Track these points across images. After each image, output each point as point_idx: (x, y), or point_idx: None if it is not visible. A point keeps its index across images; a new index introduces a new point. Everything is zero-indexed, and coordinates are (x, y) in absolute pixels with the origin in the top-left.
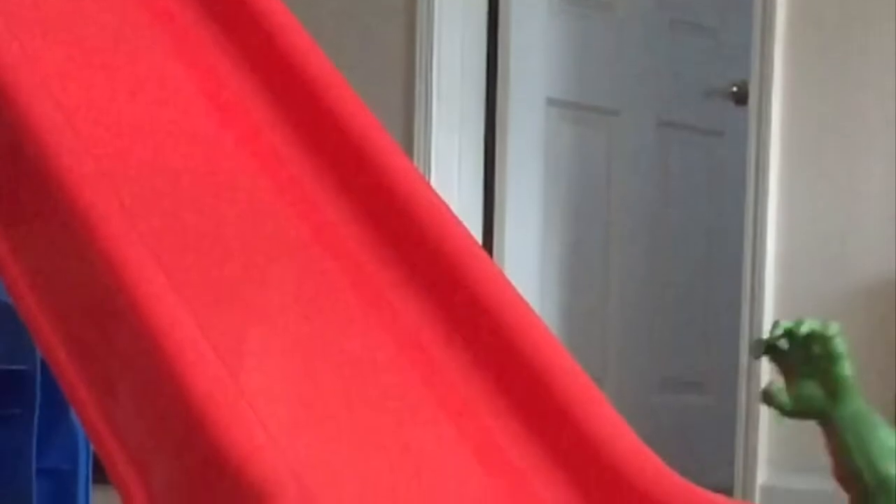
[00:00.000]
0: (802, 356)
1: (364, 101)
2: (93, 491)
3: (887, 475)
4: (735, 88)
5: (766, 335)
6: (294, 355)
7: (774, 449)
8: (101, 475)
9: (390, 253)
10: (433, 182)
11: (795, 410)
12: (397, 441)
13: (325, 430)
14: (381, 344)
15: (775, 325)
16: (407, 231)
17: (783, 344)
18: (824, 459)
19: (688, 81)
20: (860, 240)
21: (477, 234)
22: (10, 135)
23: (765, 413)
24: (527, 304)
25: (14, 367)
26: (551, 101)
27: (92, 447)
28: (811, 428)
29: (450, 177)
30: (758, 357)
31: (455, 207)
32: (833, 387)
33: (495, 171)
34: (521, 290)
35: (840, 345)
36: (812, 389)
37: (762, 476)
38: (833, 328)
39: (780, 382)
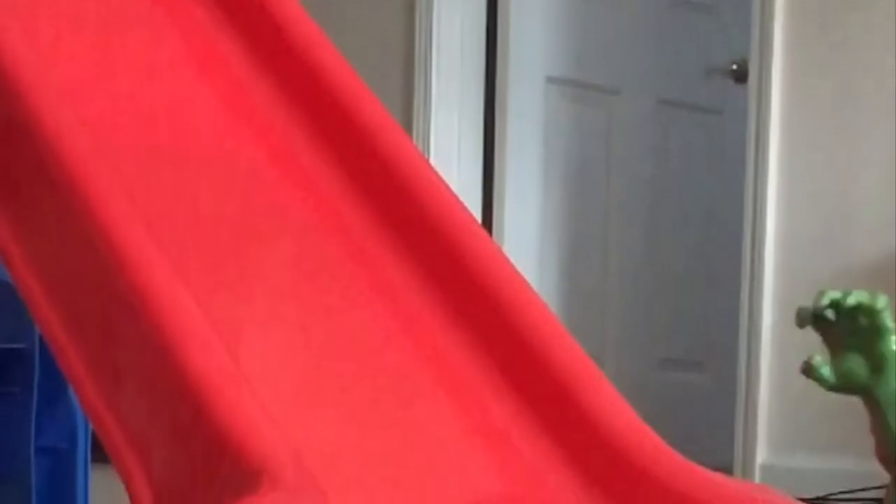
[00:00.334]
0: (848, 328)
1: (364, 80)
2: (91, 470)
3: None
4: (735, 66)
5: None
6: (293, 335)
7: (774, 428)
8: (99, 454)
9: (389, 232)
10: (432, 160)
11: (838, 385)
12: (397, 420)
13: (325, 410)
14: (381, 323)
15: (821, 294)
16: (406, 209)
17: (830, 314)
18: (824, 438)
19: (687, 60)
20: (860, 218)
21: (476, 213)
22: (9, 113)
23: (764, 392)
24: (526, 283)
25: (13, 345)
26: (551, 80)
27: (91, 426)
28: (811, 407)
29: (449, 155)
30: (802, 326)
31: (454, 186)
32: (877, 362)
33: (495, 150)
34: (520, 268)
35: (888, 318)
36: (856, 364)
37: (762, 455)
38: (881, 301)
39: (823, 355)
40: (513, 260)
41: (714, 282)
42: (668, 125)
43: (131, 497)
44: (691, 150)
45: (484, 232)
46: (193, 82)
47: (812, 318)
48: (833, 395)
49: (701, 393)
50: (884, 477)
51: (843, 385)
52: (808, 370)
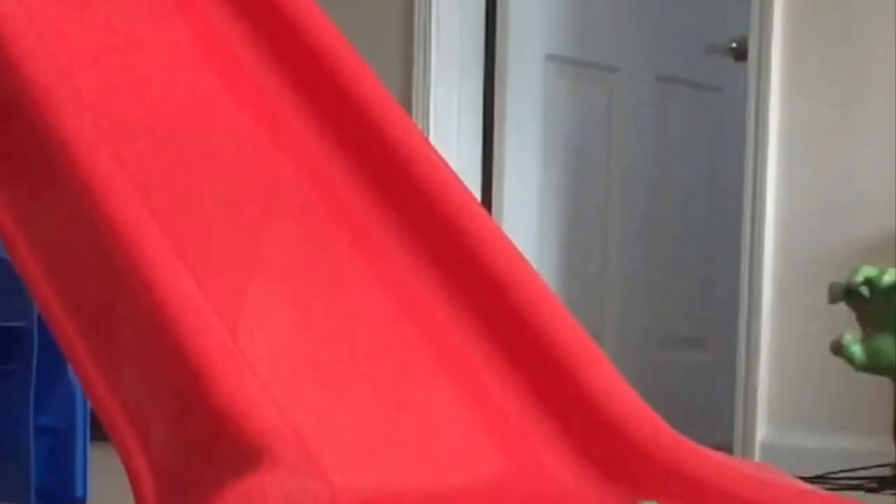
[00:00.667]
0: (882, 308)
1: (363, 57)
2: (91, 448)
3: None
4: (734, 44)
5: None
6: (292, 312)
7: (774, 406)
8: (99, 432)
9: (389, 212)
10: (432, 138)
11: (867, 364)
12: (396, 398)
13: (324, 387)
14: (380, 301)
15: (856, 269)
16: (405, 188)
17: (864, 291)
18: (824, 417)
19: (687, 37)
20: (860, 197)
21: (476, 190)
22: (8, 92)
23: (764, 370)
24: (526, 261)
25: (12, 323)
26: (550, 58)
27: (90, 404)
28: (811, 385)
29: (448, 132)
30: (834, 302)
31: (454, 163)
32: None
33: (494, 127)
34: (519, 246)
35: None
36: (886, 344)
37: (762, 433)
38: None
39: (854, 334)
40: (512, 237)
41: (714, 260)
42: (668, 103)
43: (130, 476)
44: (691, 128)
45: (484, 211)
46: (195, 63)
47: (844, 294)
48: (833, 374)
49: (701, 371)
50: (884, 456)
51: (873, 365)
52: (838, 348)
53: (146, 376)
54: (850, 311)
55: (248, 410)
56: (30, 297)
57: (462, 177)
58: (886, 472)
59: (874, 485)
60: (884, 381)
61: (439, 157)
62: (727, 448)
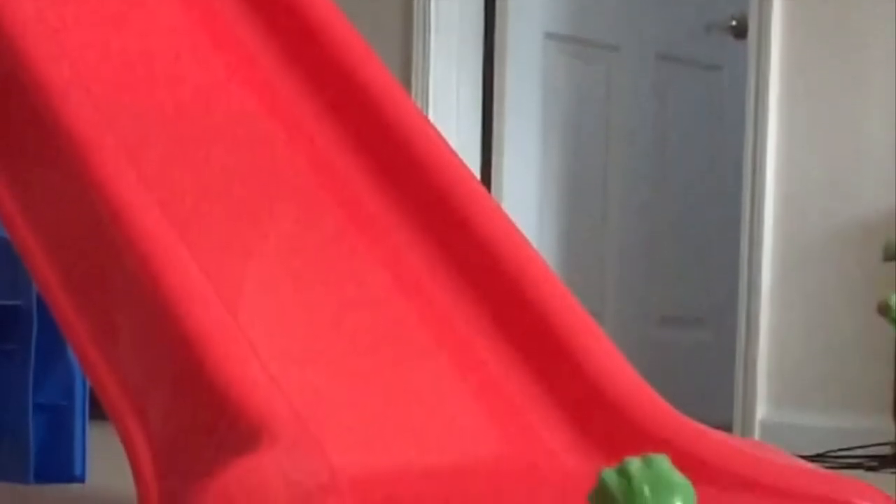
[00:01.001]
0: None
1: (362, 35)
2: (89, 426)
3: None
4: (734, 22)
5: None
6: (292, 292)
7: (774, 385)
8: (97, 411)
9: (389, 191)
10: (431, 116)
11: None
12: (395, 377)
13: (323, 366)
14: (378, 278)
15: None
16: (405, 168)
17: None
18: (823, 396)
19: (686, 15)
20: (860, 174)
21: (475, 168)
22: (8, 70)
23: (764, 349)
24: (525, 239)
25: (11, 302)
26: (549, 36)
27: (89, 383)
28: (811, 364)
29: (448, 111)
30: (889, 260)
31: (453, 141)
32: None
33: (493, 106)
34: (519, 224)
35: None
36: None
37: (761, 411)
38: None
39: None
40: (511, 215)
41: (713, 238)
42: (668, 81)
43: (129, 454)
44: (690, 106)
45: (483, 189)
46: (196, 45)
47: None
48: (833, 353)
49: (700, 350)
50: (883, 434)
51: None
52: (884, 309)
53: (145, 356)
54: (849, 289)
55: (247, 390)
56: (29, 276)
57: (461, 155)
58: (886, 450)
59: (874, 463)
60: (884, 361)
61: (439, 135)
62: (727, 427)
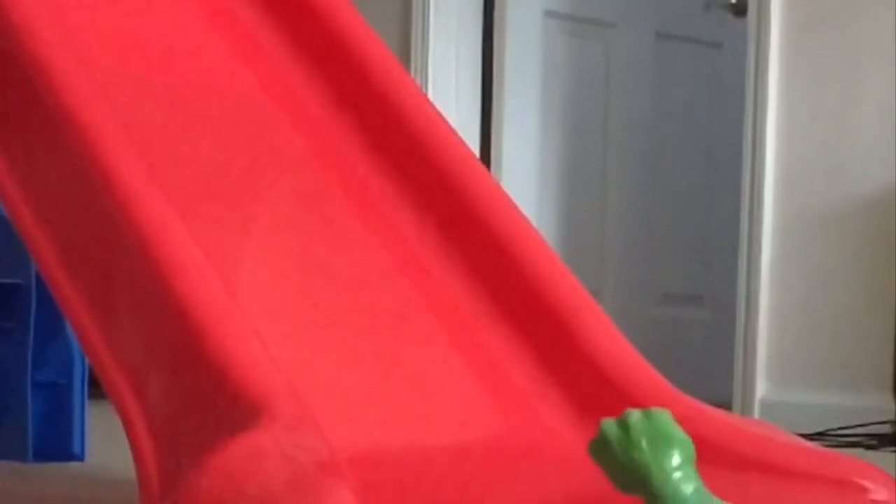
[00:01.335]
0: None
1: (361, 12)
2: (88, 405)
3: None
4: (733, 0)
5: None
6: (291, 270)
7: (773, 363)
8: (97, 389)
9: (387, 167)
10: (430, 94)
11: None
12: (393, 355)
13: (322, 344)
14: (378, 258)
15: None
16: (404, 145)
17: None
18: (823, 374)
19: None
20: (859, 152)
21: (474, 146)
22: (6, 47)
23: (763, 327)
24: (524, 218)
25: (9, 280)
26: (549, 13)
27: (88, 361)
28: (811, 342)
29: (447, 89)
30: None
31: (452, 119)
32: None
33: (493, 84)
34: (518, 203)
35: None
36: None
37: (761, 390)
38: None
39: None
40: (511, 194)
41: (713, 216)
42: (667, 59)
43: (128, 433)
44: (690, 83)
45: (482, 167)
46: (194, 20)
47: None
48: (833, 331)
49: (700, 328)
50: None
51: None
52: None
53: (144, 334)
54: (849, 267)
55: (246, 368)
56: (27, 254)
57: (461, 133)
58: (886, 428)
59: (873, 441)
60: (884, 338)
61: (439, 114)
62: (726, 405)
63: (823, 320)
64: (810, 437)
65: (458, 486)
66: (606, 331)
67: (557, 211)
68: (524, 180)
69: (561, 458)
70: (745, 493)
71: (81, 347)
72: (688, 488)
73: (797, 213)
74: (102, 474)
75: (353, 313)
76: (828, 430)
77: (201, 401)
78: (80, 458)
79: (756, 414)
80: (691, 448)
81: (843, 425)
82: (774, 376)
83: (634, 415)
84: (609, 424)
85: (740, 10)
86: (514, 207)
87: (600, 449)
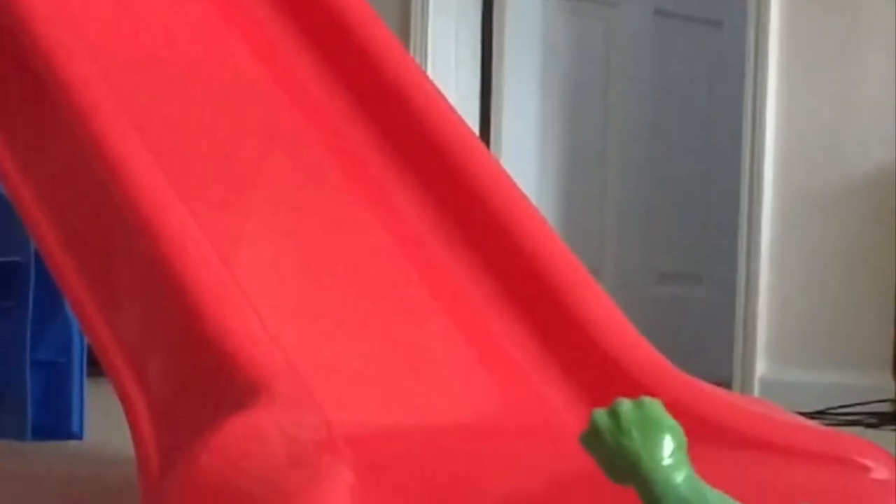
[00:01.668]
0: None
1: None
2: (87, 383)
3: None
4: None
5: None
6: (290, 248)
7: (773, 341)
8: (96, 368)
9: (388, 147)
10: (430, 72)
11: None
12: (392, 334)
13: (321, 322)
14: (378, 237)
15: None
16: (404, 123)
17: None
18: (823, 352)
19: None
20: (859, 131)
21: (474, 125)
22: (4, 25)
23: (763, 306)
24: (524, 196)
25: (8, 258)
26: None
27: (86, 340)
28: (810, 321)
29: (447, 66)
30: None
31: (452, 97)
32: None
33: (493, 61)
34: (518, 180)
35: None
36: None
37: (761, 368)
38: None
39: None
40: (511, 173)
41: (713, 195)
42: (667, 37)
43: (127, 412)
44: (690, 61)
45: (482, 146)
46: (196, 4)
47: None
48: (832, 309)
49: (700, 307)
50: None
51: None
52: None
53: (143, 313)
54: (849, 245)
55: (245, 346)
56: (26, 232)
57: (460, 111)
58: (886, 407)
59: (874, 420)
60: (884, 317)
61: (438, 91)
62: (726, 384)
63: (823, 299)
64: (810, 415)
65: (456, 464)
66: (606, 310)
67: (557, 189)
68: (524, 158)
69: (560, 436)
70: (744, 471)
71: (80, 326)
72: (678, 476)
73: (797, 193)
74: (101, 453)
75: (352, 292)
76: (828, 409)
77: (200, 380)
78: (79, 436)
79: (756, 393)
80: (682, 436)
81: (843, 404)
82: (774, 355)
83: (625, 404)
84: (600, 414)
85: None
86: (514, 186)
87: (591, 439)
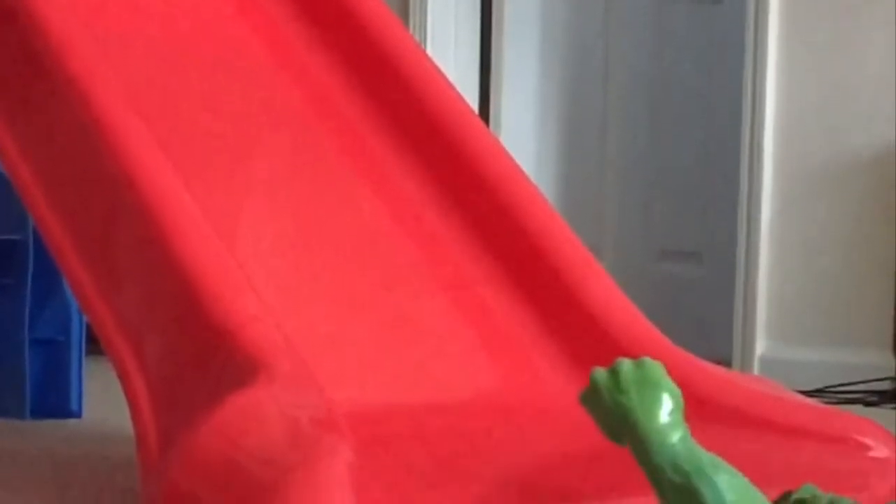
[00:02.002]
0: None
1: None
2: (86, 361)
3: None
4: None
5: None
6: (289, 225)
7: (773, 320)
8: (94, 346)
9: (387, 124)
10: (429, 48)
11: None
12: (391, 311)
13: (320, 299)
14: (377, 214)
15: None
16: (403, 101)
17: None
18: (822, 331)
19: None
20: (860, 109)
21: (473, 102)
22: (4, 8)
23: (763, 284)
24: (523, 173)
25: (7, 236)
26: None
27: (85, 318)
28: (810, 299)
29: (446, 43)
30: None
31: (451, 74)
32: None
33: (492, 39)
34: (517, 158)
35: None
36: None
37: (761, 347)
38: None
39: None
40: (510, 151)
41: (713, 173)
42: (667, 14)
43: (126, 390)
44: (690, 39)
45: (481, 123)
46: None
47: None
48: (832, 288)
49: (700, 285)
50: (883, 369)
51: None
52: None
53: (142, 291)
54: (849, 223)
55: (244, 325)
56: (25, 210)
57: (459, 87)
58: (885, 385)
59: (873, 398)
60: (884, 295)
61: (437, 69)
62: (726, 362)
63: (823, 277)
64: (810, 393)
65: (456, 442)
66: (605, 287)
67: (556, 166)
68: (523, 135)
69: (558, 413)
70: (744, 449)
71: (79, 304)
72: (674, 436)
73: (797, 170)
74: (100, 431)
75: (352, 271)
76: (827, 387)
77: (199, 358)
78: (78, 414)
79: (755, 371)
80: (680, 398)
81: (843, 382)
82: (774, 333)
83: (625, 363)
84: (600, 372)
85: None
86: (514, 164)
87: (590, 396)
